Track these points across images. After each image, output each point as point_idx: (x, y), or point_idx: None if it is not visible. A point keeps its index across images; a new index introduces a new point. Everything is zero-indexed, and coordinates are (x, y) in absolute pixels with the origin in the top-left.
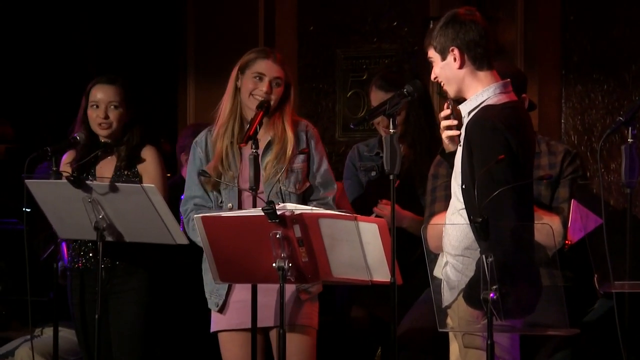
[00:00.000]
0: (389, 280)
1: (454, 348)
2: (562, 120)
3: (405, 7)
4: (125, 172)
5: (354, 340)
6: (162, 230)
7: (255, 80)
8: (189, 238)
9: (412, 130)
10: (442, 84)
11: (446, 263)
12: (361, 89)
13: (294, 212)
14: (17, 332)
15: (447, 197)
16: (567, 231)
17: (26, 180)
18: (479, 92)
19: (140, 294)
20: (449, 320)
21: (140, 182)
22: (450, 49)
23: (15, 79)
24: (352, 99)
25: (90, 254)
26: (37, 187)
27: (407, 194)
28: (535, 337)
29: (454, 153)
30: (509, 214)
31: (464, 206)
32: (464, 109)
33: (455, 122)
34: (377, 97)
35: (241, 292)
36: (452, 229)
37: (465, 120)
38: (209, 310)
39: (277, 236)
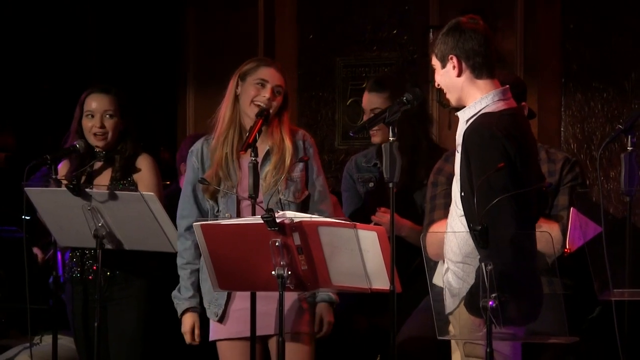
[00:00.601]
0: (388, 288)
1: (456, 357)
2: (562, 129)
3: (405, 16)
4: (122, 182)
5: (354, 348)
6: (162, 238)
7: (257, 86)
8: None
9: (409, 138)
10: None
11: (447, 270)
12: (361, 97)
13: (293, 220)
14: (16, 340)
15: (447, 205)
16: (566, 239)
17: (26, 188)
18: (478, 99)
19: (139, 302)
20: (450, 328)
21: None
22: (450, 57)
23: (17, 88)
24: (352, 107)
25: (90, 262)
26: (37, 195)
27: (403, 203)
28: (537, 345)
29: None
30: (508, 222)
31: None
32: (462, 116)
33: None
34: (369, 99)
35: (240, 301)
36: (453, 235)
37: (463, 128)
38: (208, 318)
39: (277, 244)
